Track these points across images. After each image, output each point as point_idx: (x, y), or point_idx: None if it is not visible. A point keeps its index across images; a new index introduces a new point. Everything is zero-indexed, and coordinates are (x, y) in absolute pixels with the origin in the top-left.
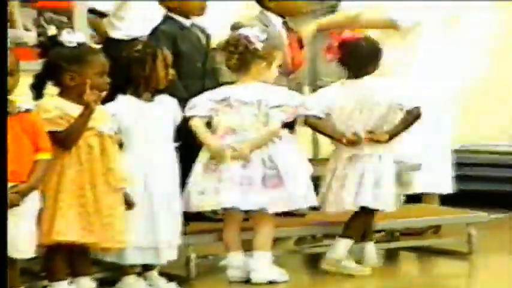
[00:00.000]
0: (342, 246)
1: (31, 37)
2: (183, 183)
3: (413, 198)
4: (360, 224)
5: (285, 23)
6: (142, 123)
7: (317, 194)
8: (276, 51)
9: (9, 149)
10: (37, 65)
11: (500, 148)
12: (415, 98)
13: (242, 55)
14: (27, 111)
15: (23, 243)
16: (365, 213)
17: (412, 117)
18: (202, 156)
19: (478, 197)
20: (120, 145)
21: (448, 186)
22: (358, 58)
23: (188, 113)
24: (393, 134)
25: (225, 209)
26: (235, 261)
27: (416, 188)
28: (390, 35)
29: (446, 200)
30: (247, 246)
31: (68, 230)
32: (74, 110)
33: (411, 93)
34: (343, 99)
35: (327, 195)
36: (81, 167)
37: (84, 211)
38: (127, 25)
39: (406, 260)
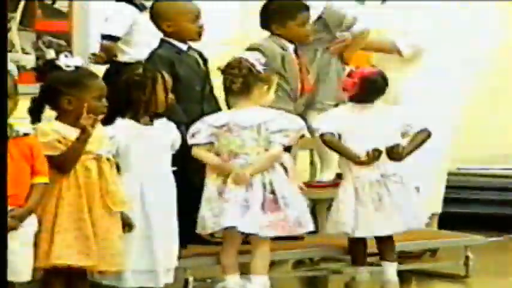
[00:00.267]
0: (393, 269)
1: (29, 60)
2: (180, 207)
3: None
4: (394, 244)
5: (295, 49)
6: (140, 147)
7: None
8: (274, 75)
9: (7, 173)
10: (35, 88)
11: (496, 171)
12: (423, 120)
13: (245, 78)
14: (25, 135)
15: (20, 266)
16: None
17: (421, 138)
18: (213, 180)
19: (475, 220)
20: (118, 168)
21: (437, 206)
22: (377, 92)
23: (190, 141)
24: (406, 153)
25: (224, 231)
26: (232, 284)
27: None
28: (388, 59)
29: (443, 223)
30: (245, 269)
31: (66, 253)
32: (72, 133)
33: (418, 114)
34: (354, 121)
35: (353, 220)
36: (79, 190)
37: (82, 234)
38: (134, 49)
39: (404, 283)
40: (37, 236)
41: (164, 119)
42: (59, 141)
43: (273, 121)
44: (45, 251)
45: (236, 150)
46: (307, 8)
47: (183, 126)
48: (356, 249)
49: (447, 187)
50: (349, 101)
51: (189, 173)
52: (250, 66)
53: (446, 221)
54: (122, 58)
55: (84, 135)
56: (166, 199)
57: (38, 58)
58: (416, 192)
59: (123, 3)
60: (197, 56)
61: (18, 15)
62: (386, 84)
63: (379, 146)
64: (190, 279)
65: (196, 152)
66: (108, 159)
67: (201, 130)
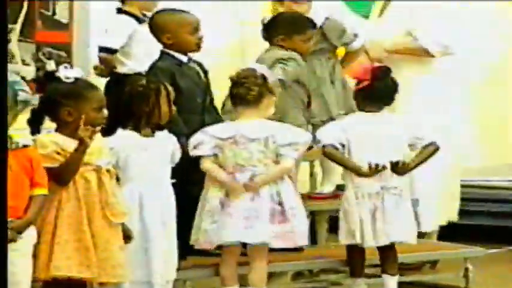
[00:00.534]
0: (393, 283)
1: (29, 71)
2: (180, 219)
3: None
4: (396, 256)
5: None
6: (140, 158)
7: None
8: (278, 87)
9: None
10: (35, 99)
11: (496, 183)
12: (432, 133)
13: (261, 88)
14: (25, 146)
15: (19, 278)
16: (388, 247)
17: (429, 151)
18: (215, 193)
19: (475, 232)
20: (117, 179)
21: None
22: (387, 87)
23: (192, 152)
24: (412, 167)
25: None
26: None
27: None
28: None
29: (443, 234)
30: (244, 281)
31: (66, 264)
32: (71, 145)
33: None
34: (362, 130)
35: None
36: (78, 202)
37: (82, 246)
38: (133, 61)
39: None
40: (37, 247)
41: (166, 131)
42: (58, 153)
43: (280, 134)
44: (45, 262)
45: (242, 162)
46: (314, 26)
47: (184, 137)
48: (354, 261)
49: None
50: (358, 109)
51: (188, 185)
52: (265, 76)
53: (447, 232)
54: (120, 69)
55: (82, 147)
56: (165, 211)
57: (38, 69)
58: (413, 206)
59: (122, 15)
60: (198, 68)
61: (18, 26)
62: (397, 87)
63: (385, 156)
64: None
65: (207, 168)
66: (108, 171)
67: (204, 141)
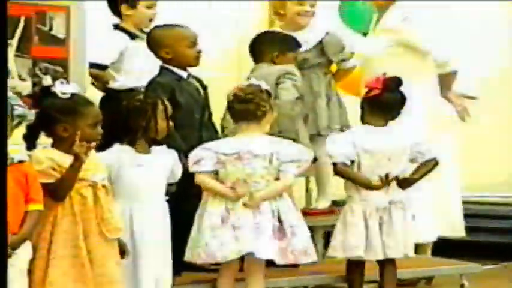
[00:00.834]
0: None
1: (26, 87)
2: (175, 235)
3: None
4: (396, 271)
5: None
6: (133, 173)
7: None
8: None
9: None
10: (31, 114)
11: (493, 199)
12: (433, 148)
13: (267, 104)
14: (20, 162)
15: None
16: (390, 261)
17: (429, 167)
18: (215, 208)
19: (471, 248)
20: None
21: (431, 234)
22: (396, 99)
23: (193, 169)
24: (412, 182)
25: None
26: None
27: None
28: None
29: (439, 250)
30: None
31: (62, 280)
32: (67, 161)
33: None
34: (371, 146)
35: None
36: (74, 217)
37: (78, 262)
38: (124, 76)
39: None
40: (32, 263)
41: (164, 147)
42: (54, 169)
43: (284, 151)
44: (41, 278)
45: (244, 178)
46: (300, 46)
47: (182, 153)
48: (353, 277)
49: None
50: (362, 121)
51: (182, 200)
52: (269, 92)
53: (442, 248)
54: (112, 85)
55: (78, 163)
56: (158, 229)
57: (34, 84)
58: (412, 221)
59: (115, 32)
60: (197, 84)
61: (15, 41)
62: (403, 105)
63: (392, 170)
64: None
65: (202, 180)
66: (103, 186)
67: (206, 157)
